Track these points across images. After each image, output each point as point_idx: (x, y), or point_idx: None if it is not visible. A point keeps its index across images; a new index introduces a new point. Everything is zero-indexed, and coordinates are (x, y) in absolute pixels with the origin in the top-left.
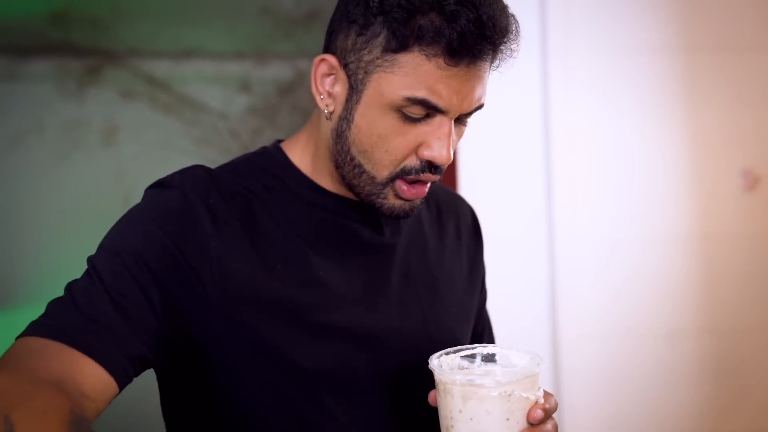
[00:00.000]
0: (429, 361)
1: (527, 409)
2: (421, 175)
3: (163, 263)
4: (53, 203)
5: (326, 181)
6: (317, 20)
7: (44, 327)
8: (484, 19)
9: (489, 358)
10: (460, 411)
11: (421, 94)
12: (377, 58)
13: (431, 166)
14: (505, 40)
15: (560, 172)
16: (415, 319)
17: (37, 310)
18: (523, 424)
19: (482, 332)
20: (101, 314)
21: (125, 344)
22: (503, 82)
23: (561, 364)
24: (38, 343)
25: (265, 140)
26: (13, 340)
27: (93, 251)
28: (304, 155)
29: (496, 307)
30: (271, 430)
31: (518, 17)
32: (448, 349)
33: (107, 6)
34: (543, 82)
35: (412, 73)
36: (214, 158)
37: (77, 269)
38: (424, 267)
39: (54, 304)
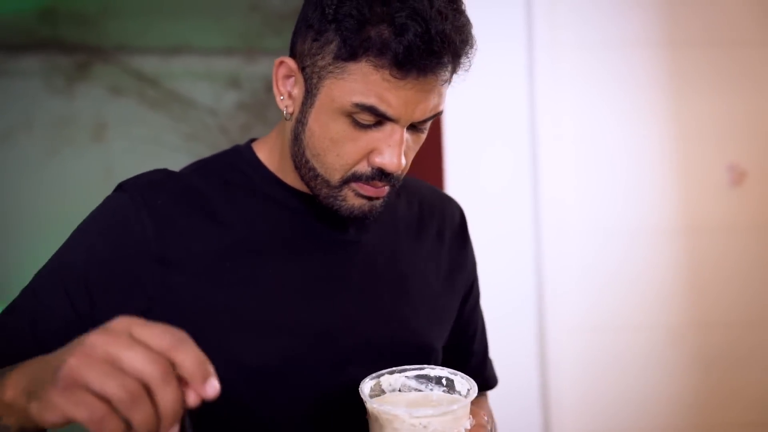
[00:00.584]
0: (361, 383)
1: None
2: (371, 182)
3: (103, 277)
4: (42, 199)
5: (291, 178)
6: None
7: None
8: (433, 34)
9: (437, 381)
10: None
11: (369, 101)
12: (329, 65)
13: (382, 174)
14: (455, 55)
15: (547, 167)
16: (376, 316)
17: None
18: None
19: (474, 335)
20: (18, 328)
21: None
22: (490, 75)
23: (548, 357)
24: None
25: (255, 135)
26: None
27: None
28: (273, 154)
29: (483, 302)
30: (224, 428)
31: (505, 11)
32: (395, 368)
33: (95, 2)
34: (529, 76)
35: (361, 81)
36: (203, 153)
37: None
38: (392, 266)
39: None
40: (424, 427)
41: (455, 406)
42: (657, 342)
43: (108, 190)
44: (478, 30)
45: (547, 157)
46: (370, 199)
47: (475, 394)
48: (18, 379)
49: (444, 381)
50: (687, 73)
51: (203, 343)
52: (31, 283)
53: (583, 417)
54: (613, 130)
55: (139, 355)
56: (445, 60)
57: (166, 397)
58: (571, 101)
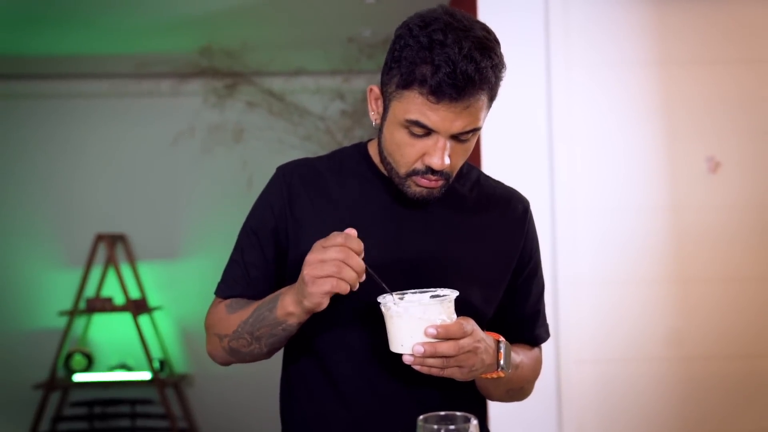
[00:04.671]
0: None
1: (424, 326)
2: (426, 176)
3: (269, 229)
4: (200, 184)
5: (383, 168)
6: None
7: (217, 289)
8: (457, 73)
9: (436, 296)
10: (388, 322)
11: (416, 117)
12: (393, 91)
13: (432, 170)
14: (477, 88)
15: (562, 163)
16: (428, 273)
17: (195, 261)
18: (420, 337)
19: (521, 301)
20: (238, 277)
21: (246, 291)
22: (514, 91)
23: (559, 307)
24: (216, 300)
25: (355, 137)
26: (180, 284)
27: (229, 218)
28: (375, 150)
29: None
30: (321, 345)
31: (525, 34)
32: (416, 290)
33: (238, 40)
34: (547, 92)
35: (411, 103)
36: (315, 150)
37: (221, 230)
38: (448, 237)
39: (224, 271)
40: (405, 310)
41: (426, 300)
42: (651, 294)
43: (245, 176)
44: (503, 47)
45: (562, 157)
46: (427, 189)
47: (448, 297)
48: (289, 297)
49: (441, 293)
50: (676, 87)
51: None
52: (238, 241)
53: (592, 378)
54: (617, 131)
55: (333, 251)
56: (469, 91)
57: (353, 262)
58: (582, 109)
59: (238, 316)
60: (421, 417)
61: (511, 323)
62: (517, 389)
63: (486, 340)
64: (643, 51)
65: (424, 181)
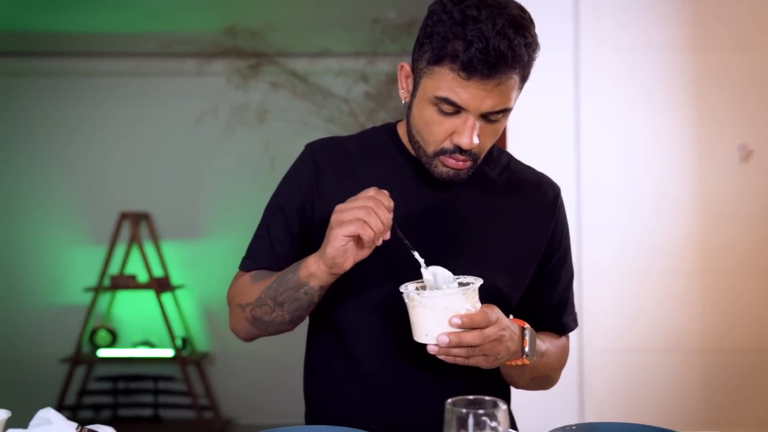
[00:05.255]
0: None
1: (448, 316)
2: (453, 155)
3: (296, 206)
4: (224, 163)
5: (411, 147)
6: (415, 27)
7: (242, 264)
8: (490, 49)
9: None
10: (411, 312)
11: (446, 94)
12: (424, 67)
13: (460, 150)
14: (508, 66)
15: (589, 151)
16: (452, 253)
17: (217, 241)
18: (445, 327)
19: (549, 288)
20: (264, 253)
21: (272, 266)
22: (541, 77)
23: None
24: (240, 273)
25: (378, 119)
26: (202, 263)
27: (251, 196)
28: (404, 130)
29: None
30: (344, 327)
31: (554, 18)
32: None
33: (262, 21)
34: (575, 78)
35: (442, 80)
36: (338, 132)
37: (243, 210)
38: (473, 218)
39: (249, 246)
40: (430, 300)
41: (450, 290)
42: (676, 284)
43: (268, 157)
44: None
45: (589, 140)
46: (454, 170)
47: (472, 287)
48: (313, 257)
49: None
50: (708, 73)
51: None
52: (264, 217)
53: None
54: (646, 118)
55: (363, 200)
56: (501, 68)
57: (381, 212)
58: (611, 95)
59: (263, 283)
60: (449, 401)
61: (539, 311)
62: (543, 377)
63: (511, 327)
64: (675, 36)
65: (451, 161)
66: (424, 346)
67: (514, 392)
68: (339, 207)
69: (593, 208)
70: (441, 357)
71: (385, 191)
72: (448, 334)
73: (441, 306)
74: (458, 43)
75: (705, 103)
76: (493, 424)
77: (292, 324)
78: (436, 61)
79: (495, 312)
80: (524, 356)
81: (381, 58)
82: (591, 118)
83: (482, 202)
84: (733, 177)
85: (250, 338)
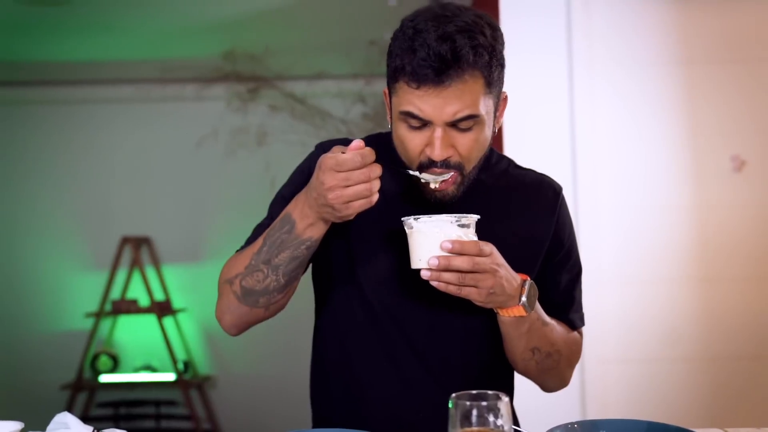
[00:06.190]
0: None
1: (440, 241)
2: (431, 169)
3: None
4: (224, 187)
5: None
6: None
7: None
8: (431, 54)
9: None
10: (410, 240)
11: (407, 108)
12: (391, 87)
13: (433, 162)
14: (458, 69)
15: (584, 163)
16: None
17: (218, 264)
18: (437, 251)
19: (554, 287)
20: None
21: None
22: (536, 91)
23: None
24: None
25: None
26: (204, 286)
27: (251, 219)
28: None
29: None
30: (346, 325)
31: (547, 35)
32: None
33: (261, 45)
34: (569, 92)
35: (402, 95)
36: None
37: (244, 232)
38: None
39: (251, 232)
40: (426, 225)
41: (444, 217)
42: (672, 293)
43: (266, 180)
44: (525, 46)
45: (584, 153)
46: (440, 191)
47: (468, 219)
48: (309, 217)
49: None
50: (699, 85)
51: (339, 256)
52: (269, 209)
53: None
54: (640, 130)
55: (357, 175)
56: (448, 72)
57: (373, 180)
58: (604, 109)
59: (249, 249)
60: (453, 395)
61: (543, 307)
62: (545, 354)
63: (509, 270)
64: (666, 50)
65: (434, 174)
66: (424, 350)
67: (517, 397)
68: (329, 183)
69: (590, 218)
70: (433, 283)
71: (366, 151)
72: (439, 257)
73: (435, 231)
74: (406, 55)
75: (698, 115)
76: (499, 421)
77: (286, 290)
78: (395, 77)
79: (489, 246)
80: (521, 304)
81: (378, 80)
82: (587, 131)
83: (480, 209)
84: (726, 187)
85: (238, 323)
